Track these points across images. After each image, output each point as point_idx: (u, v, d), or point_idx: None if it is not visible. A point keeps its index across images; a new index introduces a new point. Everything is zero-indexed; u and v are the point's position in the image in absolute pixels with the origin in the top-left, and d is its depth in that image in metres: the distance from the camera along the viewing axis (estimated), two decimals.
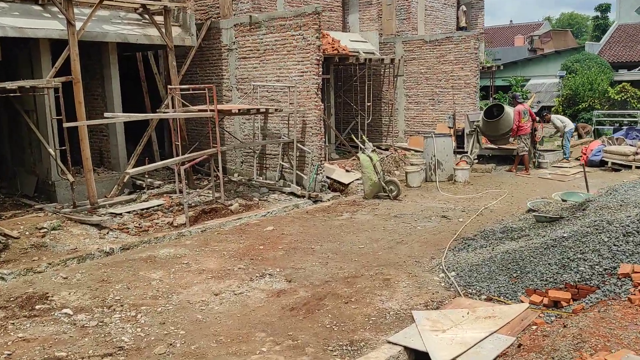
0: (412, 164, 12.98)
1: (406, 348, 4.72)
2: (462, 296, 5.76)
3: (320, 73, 11.92)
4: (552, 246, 5.70)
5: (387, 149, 16.84)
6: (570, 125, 15.28)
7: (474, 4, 22.67)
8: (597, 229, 5.48)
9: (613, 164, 13.26)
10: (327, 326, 5.32)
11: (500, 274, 5.84)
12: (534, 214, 8.06)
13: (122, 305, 5.96)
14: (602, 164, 13.74)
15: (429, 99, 17.89)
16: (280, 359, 4.70)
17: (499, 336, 4.71)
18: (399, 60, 18.13)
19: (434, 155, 12.65)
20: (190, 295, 6.23)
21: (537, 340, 4.47)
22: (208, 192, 11.33)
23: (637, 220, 5.32)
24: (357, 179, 12.89)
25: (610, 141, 14.50)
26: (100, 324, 5.52)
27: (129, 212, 9.89)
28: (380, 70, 18.57)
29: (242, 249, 7.90)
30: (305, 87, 11.82)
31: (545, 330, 4.58)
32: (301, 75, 11.88)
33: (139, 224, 9.27)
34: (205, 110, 10.45)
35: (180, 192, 11.24)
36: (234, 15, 14.05)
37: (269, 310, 5.75)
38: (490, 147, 14.87)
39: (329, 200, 11.46)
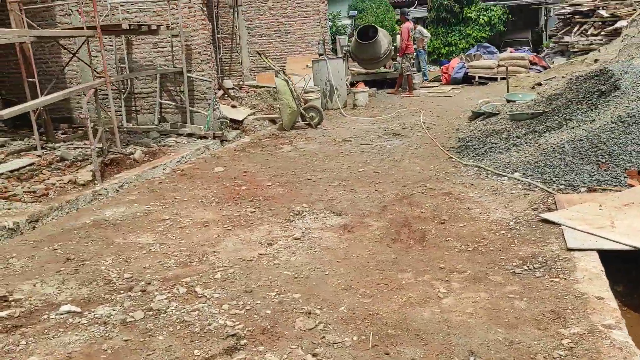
0: (306, 91, 11.75)
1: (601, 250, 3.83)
2: (558, 193, 5.06)
3: None
4: (627, 125, 5.31)
5: (239, 87, 15.20)
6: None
7: None
8: None
9: (480, 77, 13.90)
10: (466, 248, 4.14)
11: (582, 164, 5.28)
12: (510, 113, 7.73)
13: (150, 284, 3.88)
14: (464, 80, 14.32)
15: (275, 31, 16.59)
16: (467, 267, 3.42)
17: None
18: None
19: (329, 81, 11.63)
20: (231, 252, 4.37)
21: None
22: (83, 144, 8.67)
23: None
24: (250, 114, 11.27)
25: (468, 58, 15.19)
26: (161, 313, 3.46)
27: None
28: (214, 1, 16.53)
29: (222, 195, 6.00)
30: (185, 3, 9.61)
31: None
32: None
33: (31, 189, 6.50)
34: (81, 28, 7.72)
35: (44, 147, 8.44)
36: None
37: (365, 247, 4.30)
38: (363, 72, 14.39)
39: (235, 138, 9.71)
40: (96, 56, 10.31)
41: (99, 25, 7.58)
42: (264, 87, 15.44)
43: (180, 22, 9.41)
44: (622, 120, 5.38)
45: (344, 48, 13.94)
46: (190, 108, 9.84)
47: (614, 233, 3.99)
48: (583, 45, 16.23)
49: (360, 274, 3.86)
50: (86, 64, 9.04)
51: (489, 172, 5.89)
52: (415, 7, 30.38)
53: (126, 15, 9.90)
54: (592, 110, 6.06)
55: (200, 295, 3.69)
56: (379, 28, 13.50)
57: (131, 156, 8.07)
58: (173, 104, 10.12)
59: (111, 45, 10.06)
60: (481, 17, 25.95)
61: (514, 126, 7.33)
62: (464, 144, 7.31)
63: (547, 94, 8.16)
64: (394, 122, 9.81)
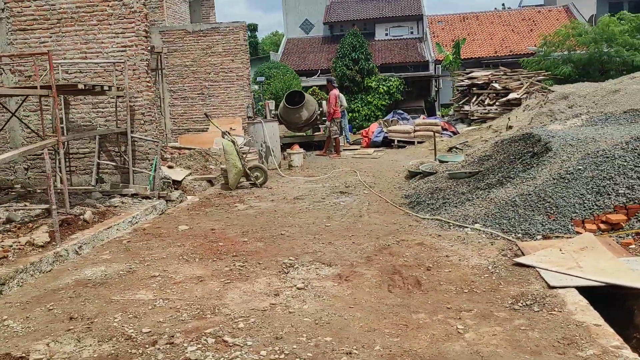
0: (243, 152, 11.97)
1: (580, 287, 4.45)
2: (518, 241, 5.72)
3: (150, 47, 9.98)
4: (567, 180, 6.17)
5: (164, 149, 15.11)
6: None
7: (204, 2, 22.33)
8: (605, 158, 6.19)
9: (399, 141, 14.97)
10: (462, 290, 4.58)
11: (534, 214, 6.02)
12: (449, 172, 8.53)
13: (174, 337, 3.89)
14: (383, 143, 15.33)
15: (198, 94, 16.84)
16: (471, 306, 3.84)
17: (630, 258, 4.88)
18: (160, 51, 16.47)
19: (265, 142, 12.01)
20: (241, 303, 4.48)
21: None
22: (24, 206, 8.25)
23: (631, 147, 6.24)
24: (188, 175, 11.27)
25: (385, 123, 16.30)
26: None
27: None
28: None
29: (201, 251, 6.05)
30: (130, 65, 9.69)
31: None
32: (123, 51, 9.69)
33: None
34: (35, 87, 7.55)
35: None
36: None
37: (369, 293, 4.60)
38: (290, 134, 14.93)
39: (179, 198, 9.70)
40: (28, 115, 9.99)
41: (54, 84, 7.46)
42: (187, 148, 15.48)
43: (126, 83, 9.44)
44: (561, 177, 6.24)
45: (272, 112, 14.48)
46: (133, 168, 9.72)
47: (583, 272, 4.63)
48: (481, 113, 18.10)
49: (378, 317, 4.15)
50: (27, 126, 8.74)
51: (451, 224, 6.48)
52: (318, 76, 32.12)
53: (65, 76, 9.75)
54: (529, 168, 6.94)
55: (231, 344, 3.77)
56: (305, 94, 14.24)
57: (81, 217, 7.81)
58: (112, 164, 9.94)
59: (47, 105, 9.78)
60: (381, 86, 27.99)
61: (455, 184, 8.11)
62: (414, 200, 7.93)
63: (477, 155, 9.12)
64: (334, 182, 10.32)
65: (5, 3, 9.69)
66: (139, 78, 9.74)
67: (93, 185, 9.87)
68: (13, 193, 9.40)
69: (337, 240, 6.22)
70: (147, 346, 3.79)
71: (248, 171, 10.02)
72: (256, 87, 31.75)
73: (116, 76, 9.60)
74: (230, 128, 15.91)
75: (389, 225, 6.81)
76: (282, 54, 36.29)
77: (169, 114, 16.93)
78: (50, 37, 9.72)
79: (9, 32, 9.77)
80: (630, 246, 5.22)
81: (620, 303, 4.40)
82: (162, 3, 17.56)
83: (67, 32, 9.67)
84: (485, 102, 18.43)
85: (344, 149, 15.04)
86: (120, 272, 5.43)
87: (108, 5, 9.55)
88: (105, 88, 8.74)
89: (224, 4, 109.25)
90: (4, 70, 9.87)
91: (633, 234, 5.44)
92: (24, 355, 3.70)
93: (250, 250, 5.99)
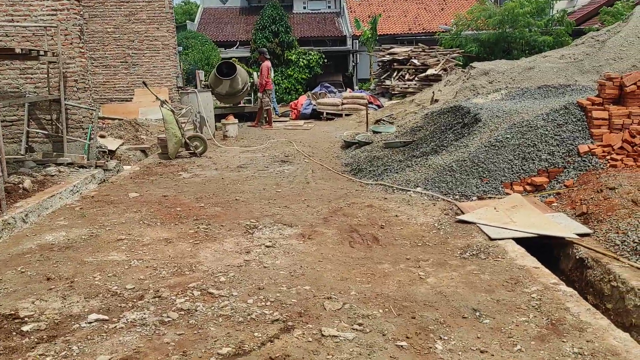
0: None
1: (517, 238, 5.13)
2: (456, 201, 6.37)
3: (82, 12, 9.66)
4: (497, 148, 6.88)
5: None
6: None
7: None
8: (529, 127, 6.95)
9: (327, 114, 15.42)
10: (415, 244, 5.13)
11: (469, 178, 6.69)
12: (385, 141, 9.09)
13: (159, 291, 4.12)
14: (313, 115, 15.73)
15: (121, 62, 16.32)
16: (426, 257, 4.41)
17: (556, 213, 5.65)
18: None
19: (199, 112, 12.01)
20: (215, 261, 4.74)
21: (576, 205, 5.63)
22: None
23: (551, 118, 7.04)
24: (121, 145, 11.10)
25: (314, 96, 16.66)
26: (194, 312, 3.77)
27: None
28: None
29: (161, 216, 6.18)
30: (62, 30, 9.36)
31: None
32: (53, 14, 9.33)
33: None
34: None
35: None
36: None
37: (334, 249, 5.02)
38: (222, 105, 14.94)
39: (115, 168, 9.62)
40: None
41: None
42: (111, 118, 15.06)
43: (59, 49, 9.12)
44: (492, 144, 6.95)
45: (202, 82, 14.40)
46: (67, 136, 9.46)
47: (517, 226, 5.33)
48: (401, 88, 18.94)
49: (347, 268, 4.59)
50: None
51: (395, 188, 7.03)
52: (237, 48, 31.83)
53: None
54: (461, 137, 7.62)
55: (217, 296, 4.07)
56: (237, 65, 14.27)
57: (20, 185, 7.61)
58: (44, 132, 9.62)
59: None
60: (301, 60, 28.29)
61: (391, 153, 8.69)
62: (355, 168, 8.43)
63: (408, 127, 9.76)
64: (273, 152, 10.61)
65: None
66: (71, 44, 9.45)
67: (22, 155, 9.52)
68: None
69: (292, 205, 6.58)
70: (135, 300, 3.99)
71: (187, 141, 10.07)
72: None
73: (47, 41, 9.24)
74: (157, 98, 15.65)
75: (337, 190, 7.25)
76: (199, 24, 35.47)
77: (91, 83, 16.25)
78: None
79: None
80: (552, 204, 6.00)
81: (548, 251, 5.13)
82: None
83: None
84: (406, 77, 19.28)
85: (274, 121, 15.28)
86: (84, 237, 5.49)
87: None
88: (41, 53, 8.42)
89: None
90: None
91: (554, 194, 6.24)
92: (13, 312, 3.78)
93: (210, 214, 6.21)
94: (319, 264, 4.66)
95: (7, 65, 9.48)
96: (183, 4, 60.35)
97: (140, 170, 9.16)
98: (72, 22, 9.35)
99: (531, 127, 6.96)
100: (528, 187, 6.47)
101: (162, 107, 9.82)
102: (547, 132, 6.83)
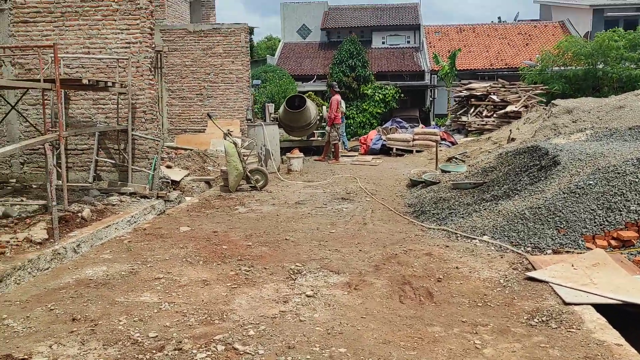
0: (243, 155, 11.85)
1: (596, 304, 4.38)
2: (527, 254, 5.66)
3: (155, 45, 9.86)
4: (577, 195, 6.12)
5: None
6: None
7: (204, 3, 22.21)
8: (616, 174, 6.15)
9: (397, 149, 14.92)
10: (475, 304, 4.50)
11: (544, 228, 5.96)
12: (453, 182, 8.47)
13: (182, 342, 3.76)
14: (381, 151, 15.28)
15: (197, 94, 16.70)
16: (486, 321, 3.76)
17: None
18: (160, 50, 16.34)
19: (264, 145, 11.90)
20: (249, 310, 4.35)
21: None
22: (20, 201, 8.08)
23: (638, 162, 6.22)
24: (186, 176, 11.13)
25: (384, 131, 16.25)
26: None
27: None
28: None
29: (205, 254, 5.92)
30: (134, 62, 9.55)
31: None
32: (127, 47, 9.55)
33: None
34: (38, 80, 7.39)
35: None
36: None
37: (380, 304, 4.49)
38: (290, 139, 14.84)
39: (177, 199, 9.57)
40: (27, 109, 9.81)
41: (59, 78, 7.31)
42: (184, 149, 15.34)
43: (129, 80, 9.29)
44: (571, 191, 6.20)
45: (272, 115, 14.39)
46: (132, 166, 9.56)
47: (599, 289, 4.57)
48: (478, 125, 18.12)
49: (391, 329, 4.05)
50: (26, 119, 8.58)
51: (458, 235, 6.41)
52: (314, 81, 32.13)
53: (66, 70, 9.59)
54: (537, 182, 6.89)
55: (242, 352, 3.66)
56: (306, 98, 14.16)
57: (79, 214, 7.66)
58: (111, 161, 9.78)
59: (48, 100, 9.60)
60: (377, 94, 28.01)
61: (459, 194, 8.04)
62: (419, 209, 7.86)
63: (480, 166, 9.08)
64: (335, 188, 10.23)
65: None
66: (142, 75, 9.60)
67: (90, 183, 9.70)
68: (9, 187, 9.20)
69: (343, 248, 6.12)
70: (154, 352, 3.66)
71: (249, 174, 9.90)
72: (252, 89, 31.71)
73: (119, 73, 9.45)
74: (228, 130, 15.82)
75: (395, 234, 6.72)
76: (279, 58, 36.30)
77: (167, 114, 16.78)
78: (53, 30, 9.56)
79: (11, 23, 9.60)
80: None
81: (637, 322, 4.34)
82: (163, 2, 17.43)
83: (71, 26, 9.52)
84: (483, 114, 18.45)
85: (342, 155, 14.95)
86: (123, 273, 5.29)
87: (114, 1, 9.41)
88: (109, 84, 8.59)
89: (222, 7, 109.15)
90: (4, 63, 9.69)
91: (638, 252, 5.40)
92: (26, 357, 3.56)
93: (255, 254, 5.87)
94: (360, 321, 4.16)
95: (81, 95, 9.78)
96: (266, 39, 62.31)
97: (199, 202, 9.05)
98: (143, 54, 9.52)
99: (619, 173, 6.15)
100: (613, 242, 5.65)
101: (225, 139, 9.74)
102: (637, 180, 6.00)
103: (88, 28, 9.49)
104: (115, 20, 9.46)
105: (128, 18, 9.43)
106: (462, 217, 6.94)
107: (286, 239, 6.49)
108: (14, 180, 9.90)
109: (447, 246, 6.11)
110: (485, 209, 6.86)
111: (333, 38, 37.01)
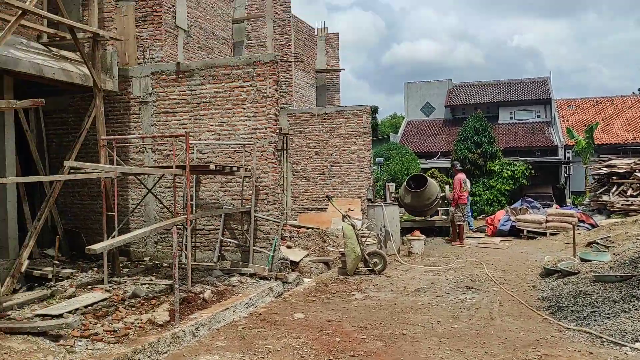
0: (362, 236, 11.70)
1: None
2: None
3: (278, 130, 10.26)
4: None
5: (283, 227, 15.30)
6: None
7: (330, 87, 23.17)
8: None
9: (529, 231, 13.91)
10: None
11: None
12: (595, 273, 7.54)
13: None
14: (511, 233, 14.32)
15: (319, 174, 17.07)
16: None
17: None
18: (287, 133, 17.09)
19: (384, 226, 11.64)
20: None
21: None
22: (150, 280, 8.49)
23: None
24: (306, 256, 11.15)
25: (513, 211, 15.34)
26: None
27: (71, 312, 6.67)
28: None
29: (317, 347, 5.67)
30: (259, 147, 9.95)
31: None
32: (253, 133, 10.00)
33: (111, 327, 6.22)
34: (170, 167, 7.92)
35: (113, 281, 8.28)
36: (143, 63, 11.60)
37: None
38: (411, 219, 14.49)
39: (295, 281, 9.53)
40: (162, 192, 10.52)
41: (189, 164, 7.76)
42: (306, 227, 15.55)
43: (254, 164, 9.67)
44: None
45: (392, 194, 14.20)
46: (253, 247, 9.76)
47: None
48: (622, 205, 16.45)
49: None
50: (161, 202, 9.16)
51: (604, 339, 5.56)
52: (438, 158, 31.66)
53: (199, 155, 10.23)
54: None
55: None
56: (428, 178, 13.84)
57: (201, 295, 7.84)
58: (234, 242, 10.06)
59: (180, 183, 10.27)
60: (505, 170, 26.79)
61: (603, 289, 7.10)
62: (555, 304, 7.03)
63: (628, 255, 8.04)
64: (458, 273, 9.61)
65: (153, 88, 10.52)
66: (266, 159, 9.96)
67: (215, 262, 10.01)
68: (142, 265, 9.78)
69: (466, 348, 5.55)
70: None
71: (367, 257, 9.66)
72: (375, 167, 31.94)
73: (245, 157, 9.89)
74: (349, 209, 15.84)
75: (527, 334, 6.01)
76: (402, 136, 36.53)
77: (291, 193, 17.27)
78: (189, 119, 10.34)
79: (154, 114, 10.54)
80: None
81: None
82: (291, 88, 18.43)
83: (204, 115, 10.22)
84: (628, 193, 16.77)
85: (466, 237, 14.21)
86: None
87: (243, 91, 10.00)
88: (234, 169, 8.98)
89: (349, 87, 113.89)
90: (146, 149, 10.59)
91: None
92: None
93: (369, 350, 5.51)
94: None
95: (210, 178, 10.32)
96: (390, 117, 63.35)
97: (315, 286, 8.91)
98: (268, 139, 9.91)
99: None
100: None
101: (344, 221, 9.65)
102: None
103: (219, 116, 10.13)
104: (243, 109, 10.01)
105: (255, 106, 9.94)
106: (608, 317, 6.06)
107: (403, 334, 6.06)
108: (148, 259, 10.52)
109: (591, 353, 5.31)
110: (637, 309, 5.94)
111: (457, 115, 36.63)
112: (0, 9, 7.82)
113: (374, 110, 49.79)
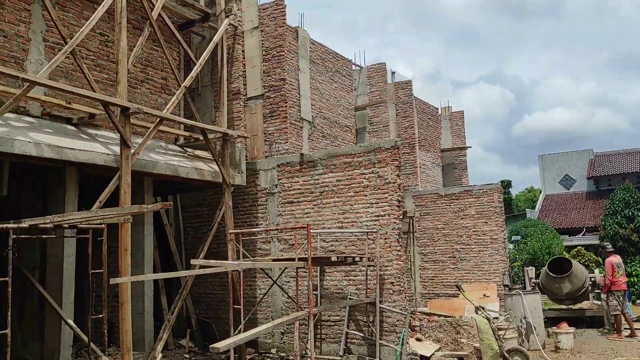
0: (499, 329, 10.73)
1: None
2: None
3: (403, 213, 9.98)
4: None
5: (412, 314, 14.56)
6: None
7: (457, 165, 22.61)
8: None
9: None
10: None
11: None
12: None
13: None
14: None
15: (449, 257, 16.26)
16: None
17: None
18: (412, 215, 16.68)
19: (525, 317, 10.57)
20: None
21: None
22: None
23: None
24: (437, 351, 10.39)
25: None
26: None
27: None
28: None
29: None
30: (382, 234, 9.70)
31: None
32: (376, 220, 9.80)
33: None
34: (292, 259, 7.92)
35: None
36: (270, 155, 12.15)
37: None
38: (556, 307, 13.12)
39: None
40: (288, 282, 10.55)
41: (310, 256, 7.71)
42: (437, 315, 14.66)
43: (377, 252, 9.41)
44: None
45: (532, 280, 13.02)
46: (379, 341, 9.30)
47: None
48: None
49: None
50: (286, 293, 9.16)
51: None
52: (583, 234, 29.08)
53: (322, 244, 10.21)
54: None
55: None
56: (573, 261, 12.54)
57: None
58: (360, 334, 9.68)
59: (305, 273, 10.24)
60: None
61: None
62: None
63: None
64: None
65: (278, 179, 10.87)
66: (389, 247, 9.66)
67: (340, 356, 9.66)
68: (268, 358, 9.70)
69: None
70: None
71: (506, 354, 8.72)
72: (511, 246, 29.98)
73: (368, 245, 9.68)
74: (484, 295, 14.74)
75: None
76: (540, 211, 34.32)
77: (419, 278, 16.59)
78: (313, 208, 10.45)
79: (279, 204, 10.82)
80: None
81: None
82: (416, 169, 18.21)
83: (327, 204, 10.28)
84: None
85: (625, 329, 12.44)
86: None
87: (365, 178, 9.96)
88: (357, 259, 8.78)
89: (478, 161, 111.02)
90: (272, 239, 10.81)
91: None
92: None
93: None
94: None
95: (334, 267, 10.19)
96: (526, 191, 60.51)
97: None
98: (391, 226, 9.65)
99: None
100: None
101: (477, 313, 8.91)
102: None
103: (342, 204, 10.12)
104: (365, 196, 9.92)
105: (377, 192, 9.82)
106: None
107: None
108: (275, 350, 10.45)
109: None
110: None
111: (602, 186, 33.77)
112: (142, 118, 8.63)
113: (507, 184, 47.56)
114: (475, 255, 15.87)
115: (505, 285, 13.66)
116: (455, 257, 16.14)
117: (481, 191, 16.12)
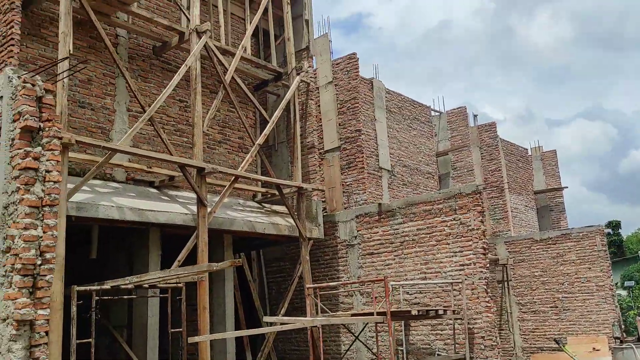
0: None
1: None
2: None
3: (494, 260, 9.42)
4: None
5: None
6: None
7: (553, 207, 21.28)
8: None
9: None
10: None
11: None
12: None
13: None
14: None
15: (551, 307, 15.06)
16: None
17: None
18: (505, 263, 15.74)
19: None
20: None
21: None
22: None
23: None
24: None
25: None
26: None
27: None
28: None
29: None
30: (468, 284, 9.17)
31: None
32: (460, 269, 9.32)
33: None
34: (371, 314, 7.64)
35: None
36: (348, 207, 12.05)
37: None
38: None
39: None
40: (372, 336, 10.18)
41: (389, 311, 7.40)
42: None
43: (464, 304, 8.89)
44: None
45: None
46: None
47: None
48: None
49: None
50: (369, 349, 8.83)
51: None
52: None
53: (406, 296, 9.82)
54: None
55: None
56: None
57: None
58: None
59: (387, 327, 9.85)
60: None
61: None
62: None
63: None
64: None
65: (357, 231, 10.71)
66: (477, 298, 9.10)
67: None
68: None
69: None
70: None
71: None
72: (624, 292, 27.48)
73: (454, 296, 9.18)
74: (594, 348, 13.44)
75: None
76: None
77: (519, 330, 15.45)
78: (394, 259, 10.14)
79: (360, 256, 10.61)
80: None
81: None
82: (506, 214, 17.31)
83: (408, 254, 9.95)
84: None
85: None
86: None
87: (446, 225, 9.58)
88: (440, 312, 8.32)
89: (583, 202, 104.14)
90: (355, 293, 10.57)
91: None
92: None
93: None
94: None
95: (420, 321, 9.73)
96: (638, 231, 55.82)
97: None
98: (477, 275, 9.13)
99: None
100: None
101: None
102: None
103: (424, 254, 9.76)
104: (448, 244, 9.51)
105: (460, 240, 9.39)
106: None
107: None
108: None
109: None
110: None
111: None
112: (221, 177, 8.90)
113: (616, 224, 43.94)
114: (580, 304, 14.60)
115: (615, 338, 12.37)
116: (557, 307, 14.93)
117: (581, 234, 14.95)
